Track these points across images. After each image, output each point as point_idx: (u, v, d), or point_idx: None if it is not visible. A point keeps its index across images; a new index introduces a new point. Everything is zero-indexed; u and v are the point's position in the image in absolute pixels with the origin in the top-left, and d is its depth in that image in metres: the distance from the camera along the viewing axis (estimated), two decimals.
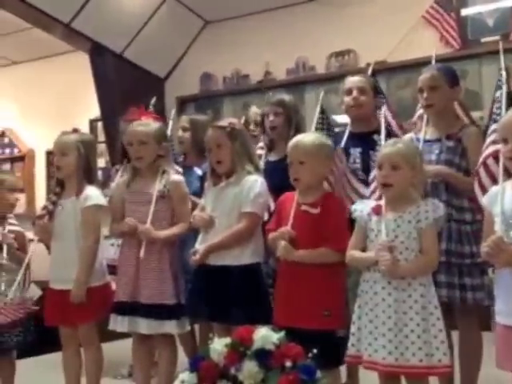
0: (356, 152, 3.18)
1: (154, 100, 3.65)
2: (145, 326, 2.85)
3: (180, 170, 3.44)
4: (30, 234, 3.26)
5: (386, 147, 2.51)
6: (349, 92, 3.29)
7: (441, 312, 2.36)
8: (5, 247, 3.15)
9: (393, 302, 2.34)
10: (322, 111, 3.31)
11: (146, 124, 3.00)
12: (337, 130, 3.47)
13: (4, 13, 5.74)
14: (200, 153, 3.56)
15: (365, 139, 3.15)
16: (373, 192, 2.85)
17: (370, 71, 3.57)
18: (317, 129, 3.20)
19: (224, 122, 2.96)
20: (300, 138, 2.75)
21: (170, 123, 3.68)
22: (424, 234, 2.38)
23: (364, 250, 2.48)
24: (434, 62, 3.21)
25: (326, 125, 3.28)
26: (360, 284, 2.48)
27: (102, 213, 3.01)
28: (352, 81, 3.32)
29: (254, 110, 3.89)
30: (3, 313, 3.10)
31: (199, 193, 3.29)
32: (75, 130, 3.12)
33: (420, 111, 3.19)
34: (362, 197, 2.93)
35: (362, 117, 3.25)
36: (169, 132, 3.47)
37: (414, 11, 5.62)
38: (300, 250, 2.57)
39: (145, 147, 2.95)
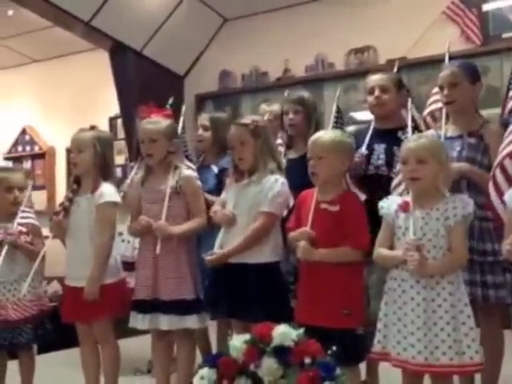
0: (380, 148, 3.16)
1: (171, 100, 3.66)
2: (166, 322, 2.86)
3: (193, 166, 3.45)
4: (46, 231, 3.27)
5: (410, 142, 2.49)
6: (371, 91, 3.28)
7: (471, 310, 2.34)
8: (5, 247, 3.14)
9: (422, 300, 2.32)
10: (338, 110, 3.29)
11: (156, 122, 3.01)
12: (362, 126, 3.46)
13: (25, 11, 5.81)
14: (220, 151, 3.56)
15: (389, 135, 3.12)
16: (396, 186, 2.83)
17: (395, 69, 3.54)
18: (333, 127, 3.18)
19: (247, 120, 2.96)
20: (320, 134, 2.77)
21: (181, 119, 3.67)
22: (453, 231, 2.35)
23: (391, 247, 2.47)
24: (447, 59, 3.17)
25: (339, 124, 3.26)
26: (387, 281, 2.46)
27: (116, 210, 3.02)
28: (374, 79, 3.30)
29: (264, 108, 3.89)
30: (16, 309, 3.14)
31: (215, 190, 3.30)
32: (92, 127, 3.13)
33: (431, 108, 3.16)
34: None
35: (385, 115, 3.22)
36: (180, 129, 3.47)
37: (434, 7, 5.56)
38: (320, 250, 2.57)
39: (155, 145, 2.96)
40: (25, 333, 3.13)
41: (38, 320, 3.18)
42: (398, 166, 2.86)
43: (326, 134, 2.75)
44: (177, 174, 2.96)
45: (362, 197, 2.88)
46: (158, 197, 2.94)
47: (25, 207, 3.34)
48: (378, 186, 3.00)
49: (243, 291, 2.76)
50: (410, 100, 3.14)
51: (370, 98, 3.27)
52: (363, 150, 3.19)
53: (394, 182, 2.88)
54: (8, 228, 3.20)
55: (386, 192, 2.84)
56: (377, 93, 3.24)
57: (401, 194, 2.72)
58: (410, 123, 2.96)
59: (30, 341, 3.18)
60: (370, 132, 3.24)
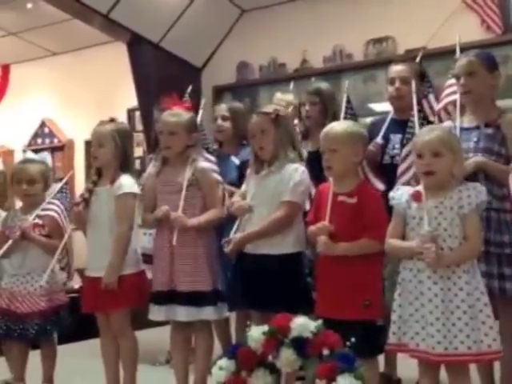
0: (396, 138, 3.16)
1: (189, 89, 3.66)
2: (183, 313, 2.87)
3: (212, 158, 3.45)
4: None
5: (424, 135, 2.45)
6: (392, 82, 3.26)
7: (488, 298, 2.32)
8: (9, 242, 3.18)
9: (439, 290, 2.30)
10: (348, 100, 3.27)
11: (177, 114, 3.01)
12: (379, 117, 3.45)
13: (44, 4, 5.85)
14: (240, 141, 3.56)
15: (406, 126, 3.10)
16: (402, 174, 2.82)
17: (418, 59, 3.51)
18: (344, 118, 3.17)
19: (269, 109, 2.96)
20: (332, 126, 2.72)
21: (200, 112, 3.68)
22: (467, 220, 2.33)
23: (403, 237, 2.45)
24: (458, 51, 3.13)
25: (349, 115, 3.24)
26: (400, 272, 2.45)
27: (135, 201, 3.03)
28: (395, 70, 3.29)
29: (279, 97, 3.88)
30: (25, 302, 3.18)
31: (236, 182, 3.30)
32: (112, 120, 3.14)
33: (444, 102, 3.11)
34: None
35: (405, 106, 3.19)
36: (199, 121, 3.48)
37: None
38: (340, 244, 2.55)
39: (174, 137, 2.97)
40: (32, 327, 3.15)
41: (47, 314, 3.20)
42: (404, 153, 2.85)
43: (338, 126, 2.71)
44: (193, 167, 2.97)
45: (381, 186, 2.86)
46: (174, 189, 2.95)
47: (53, 199, 3.37)
48: (393, 175, 2.98)
49: (265, 283, 2.75)
50: (413, 85, 3.08)
51: (391, 89, 3.25)
52: (379, 139, 3.18)
53: (400, 170, 2.86)
54: (24, 221, 3.24)
55: None
56: (397, 84, 3.22)
57: (409, 182, 2.70)
58: (415, 111, 2.93)
59: (37, 335, 3.19)
60: (387, 122, 3.22)
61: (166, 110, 3.06)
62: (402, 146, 3.08)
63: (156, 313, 2.93)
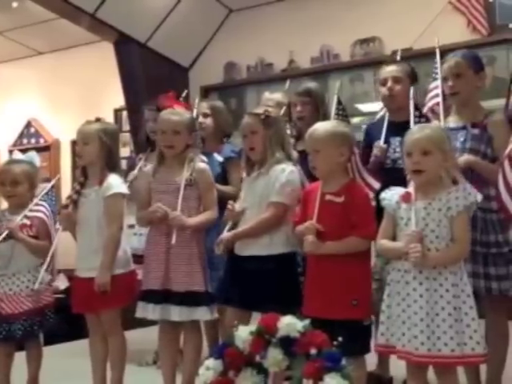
0: (396, 141, 3.13)
1: (185, 93, 3.67)
2: (177, 313, 2.86)
3: (205, 158, 3.45)
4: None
5: (413, 133, 2.46)
6: (384, 82, 3.26)
7: (474, 301, 2.33)
8: None
9: (424, 291, 2.30)
10: (339, 102, 3.27)
11: (180, 113, 3.01)
12: (376, 118, 3.46)
13: (29, 3, 5.81)
14: (221, 138, 3.58)
15: (403, 128, 3.09)
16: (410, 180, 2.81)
17: (398, 57, 3.52)
18: (335, 119, 3.17)
19: (259, 109, 2.98)
20: (316, 127, 2.73)
21: (195, 112, 3.68)
22: (455, 221, 2.33)
23: (394, 238, 2.45)
24: (438, 55, 3.13)
25: (341, 116, 3.25)
26: (389, 273, 2.45)
27: (124, 201, 3.03)
28: (387, 71, 3.29)
29: (267, 96, 3.89)
30: (11, 302, 3.14)
31: (219, 179, 3.32)
32: (98, 120, 3.13)
33: (429, 104, 3.12)
34: (371, 190, 2.89)
35: (398, 106, 3.21)
36: None
37: None
38: (328, 243, 2.55)
39: (177, 137, 2.96)
40: (18, 328, 3.12)
41: (33, 314, 3.17)
42: None
43: (321, 127, 2.72)
44: (191, 167, 2.97)
45: (377, 185, 2.87)
46: (170, 188, 2.94)
47: (41, 200, 3.35)
48: (396, 179, 2.96)
49: (254, 283, 2.77)
50: (412, 89, 3.11)
51: (383, 89, 3.26)
52: (381, 143, 3.16)
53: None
54: (10, 221, 3.21)
55: (404, 185, 2.83)
56: (389, 84, 3.23)
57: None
58: (412, 112, 2.94)
59: (23, 336, 3.16)
60: (385, 124, 3.22)
61: (162, 110, 3.06)
62: (402, 149, 3.07)
63: (150, 311, 2.91)
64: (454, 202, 2.34)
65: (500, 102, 3.27)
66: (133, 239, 3.56)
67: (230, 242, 2.87)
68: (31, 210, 3.28)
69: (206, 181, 2.99)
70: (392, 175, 3.04)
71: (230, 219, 2.92)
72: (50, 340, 3.45)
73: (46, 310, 3.24)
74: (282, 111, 3.28)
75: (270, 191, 2.83)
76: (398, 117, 3.20)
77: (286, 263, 2.84)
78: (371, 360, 2.62)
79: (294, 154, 3.05)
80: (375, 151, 3.15)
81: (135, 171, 3.77)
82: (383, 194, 2.53)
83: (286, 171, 2.84)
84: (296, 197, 2.90)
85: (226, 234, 2.88)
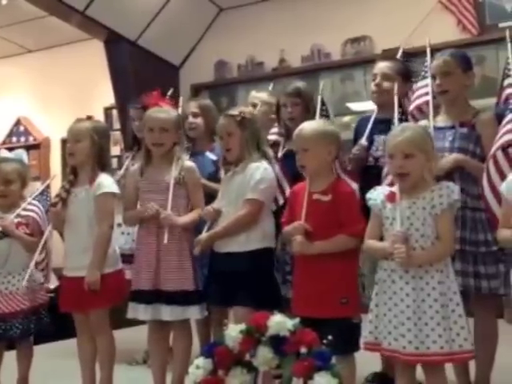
0: (380, 139, 3.13)
1: (171, 91, 3.65)
2: (168, 312, 2.86)
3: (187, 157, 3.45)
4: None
5: (394, 136, 2.44)
6: (374, 78, 3.26)
7: (460, 297, 2.34)
8: None
9: (411, 290, 2.31)
10: (323, 102, 3.27)
11: (167, 111, 3.02)
12: (365, 115, 3.46)
13: (20, 0, 5.77)
14: (212, 136, 3.58)
15: (389, 126, 3.10)
16: (387, 175, 2.82)
17: (398, 55, 3.52)
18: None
19: (235, 111, 2.98)
20: (303, 125, 2.74)
21: (180, 110, 3.67)
22: (439, 219, 2.34)
23: (381, 238, 2.46)
24: (429, 54, 3.13)
25: (324, 117, 3.24)
26: (377, 272, 2.46)
27: (115, 200, 3.01)
28: (378, 67, 3.30)
29: (254, 94, 3.89)
30: (8, 302, 3.14)
31: (214, 177, 3.32)
32: (89, 118, 3.13)
33: (417, 102, 3.11)
34: None
35: (385, 103, 3.19)
36: None
37: None
38: (316, 243, 2.56)
39: (166, 134, 2.95)
40: (16, 327, 3.12)
41: (30, 313, 3.16)
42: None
43: (309, 126, 2.72)
44: (179, 165, 2.96)
45: (354, 185, 2.88)
46: (159, 187, 2.94)
47: (34, 200, 3.33)
48: (377, 177, 2.96)
49: (232, 279, 2.80)
50: (395, 86, 3.10)
51: (371, 85, 3.26)
52: (363, 141, 3.17)
53: (385, 171, 2.87)
54: (3, 219, 3.19)
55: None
56: (378, 80, 3.23)
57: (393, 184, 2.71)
58: (396, 112, 2.94)
59: (21, 334, 3.15)
60: (370, 123, 3.22)
61: (147, 108, 3.05)
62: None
63: (140, 312, 2.91)
64: (438, 200, 2.34)
65: (490, 101, 3.28)
66: (120, 238, 3.54)
67: (207, 243, 2.88)
68: (25, 209, 3.27)
69: (194, 179, 3.00)
70: (373, 173, 3.05)
71: (208, 219, 2.92)
72: (37, 340, 3.42)
73: (41, 309, 3.23)
74: (257, 109, 3.26)
75: (246, 189, 2.84)
76: (385, 114, 3.20)
77: (262, 259, 2.86)
78: (361, 359, 2.62)
79: (270, 153, 3.06)
80: (354, 149, 3.15)
81: (121, 171, 3.76)
82: (369, 194, 2.53)
83: (261, 169, 2.86)
84: (271, 194, 2.94)
85: (202, 235, 2.89)
